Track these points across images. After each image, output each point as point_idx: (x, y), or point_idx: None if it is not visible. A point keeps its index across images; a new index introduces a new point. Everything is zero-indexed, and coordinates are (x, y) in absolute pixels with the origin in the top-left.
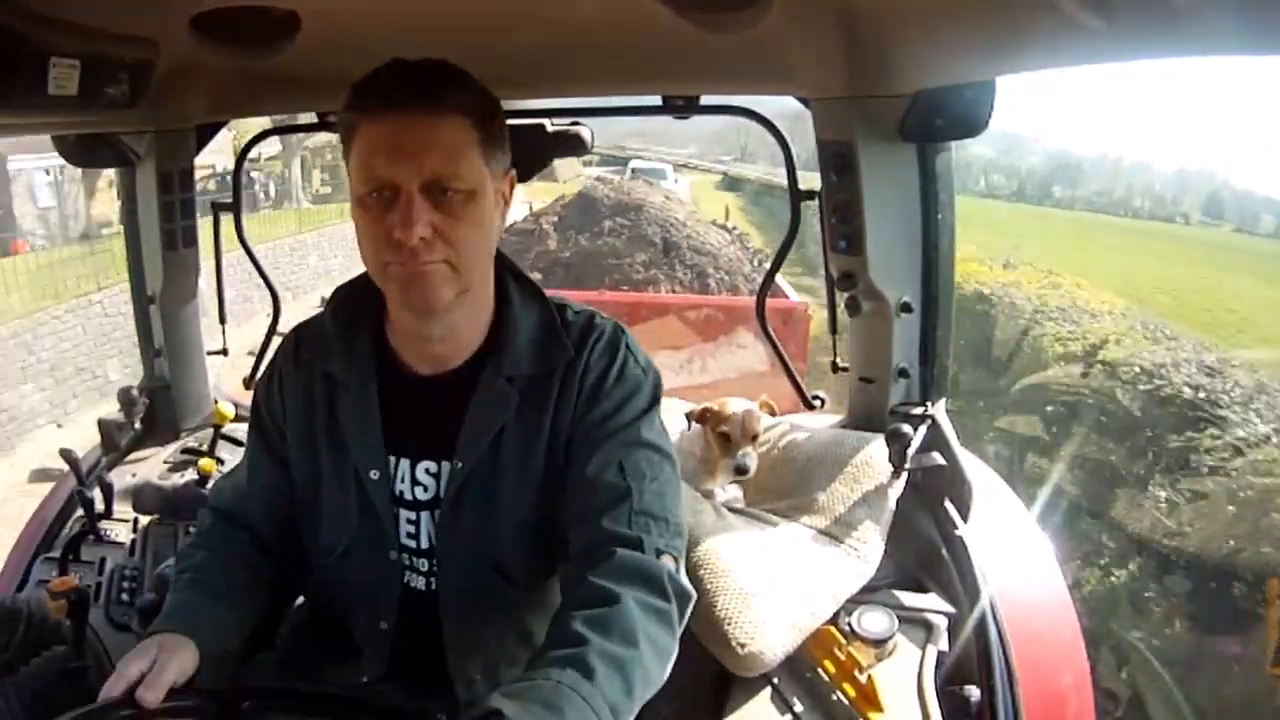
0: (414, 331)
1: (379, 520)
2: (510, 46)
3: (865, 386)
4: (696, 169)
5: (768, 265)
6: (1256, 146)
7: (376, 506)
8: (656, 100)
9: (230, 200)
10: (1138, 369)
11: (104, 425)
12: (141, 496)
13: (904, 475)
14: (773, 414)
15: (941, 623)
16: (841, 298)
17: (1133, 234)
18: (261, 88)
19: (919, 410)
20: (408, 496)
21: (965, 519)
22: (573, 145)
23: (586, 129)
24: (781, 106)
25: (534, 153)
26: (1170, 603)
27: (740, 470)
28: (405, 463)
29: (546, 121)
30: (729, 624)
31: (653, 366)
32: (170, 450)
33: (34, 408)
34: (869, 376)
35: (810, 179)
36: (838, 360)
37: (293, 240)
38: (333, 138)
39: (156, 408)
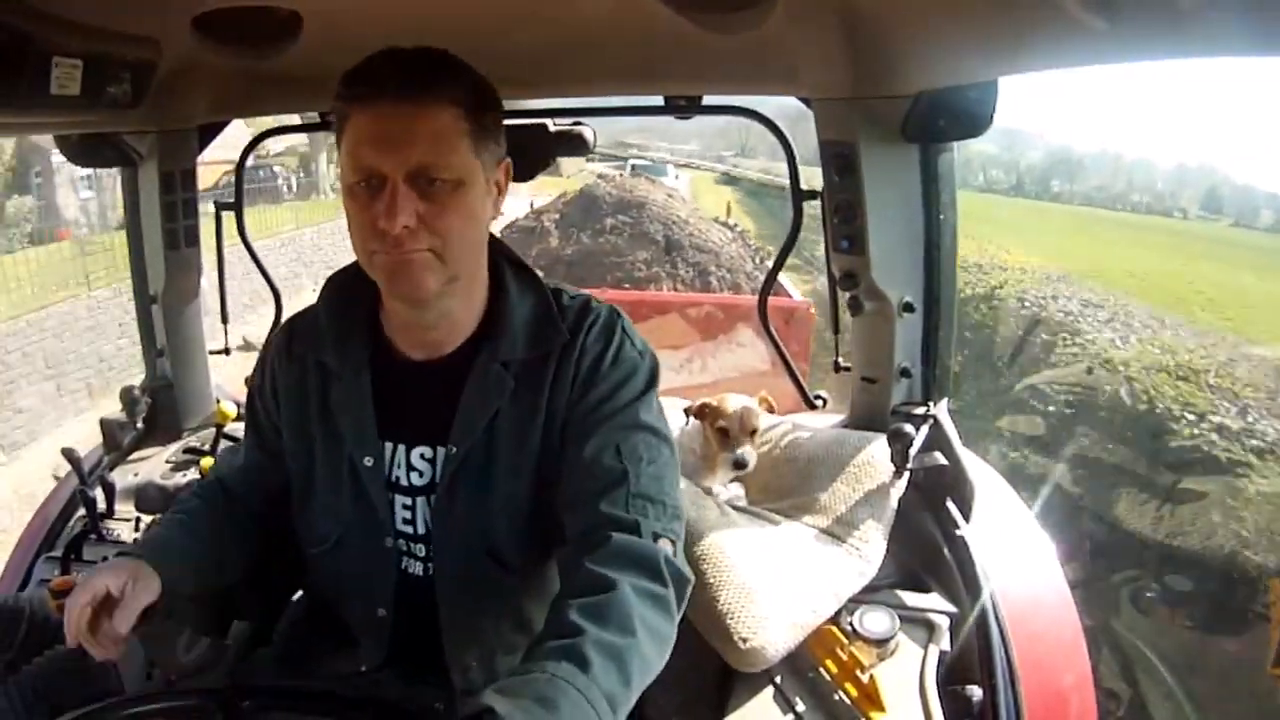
0: (408, 319)
1: (374, 507)
2: (512, 46)
3: (867, 386)
4: (699, 168)
5: (769, 263)
6: (1256, 142)
7: (371, 493)
8: (658, 100)
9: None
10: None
11: (106, 424)
12: (144, 496)
13: (906, 475)
14: (771, 410)
15: (943, 622)
16: (844, 297)
17: (1130, 228)
18: (264, 88)
19: (921, 410)
20: (403, 482)
21: (967, 519)
22: (575, 145)
23: (589, 129)
24: (782, 106)
25: (537, 152)
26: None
27: (739, 464)
28: (401, 448)
29: (549, 121)
30: (731, 618)
31: (650, 350)
32: (172, 450)
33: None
34: (871, 376)
35: (811, 178)
36: (840, 360)
37: (331, 225)
38: None
39: (159, 407)
